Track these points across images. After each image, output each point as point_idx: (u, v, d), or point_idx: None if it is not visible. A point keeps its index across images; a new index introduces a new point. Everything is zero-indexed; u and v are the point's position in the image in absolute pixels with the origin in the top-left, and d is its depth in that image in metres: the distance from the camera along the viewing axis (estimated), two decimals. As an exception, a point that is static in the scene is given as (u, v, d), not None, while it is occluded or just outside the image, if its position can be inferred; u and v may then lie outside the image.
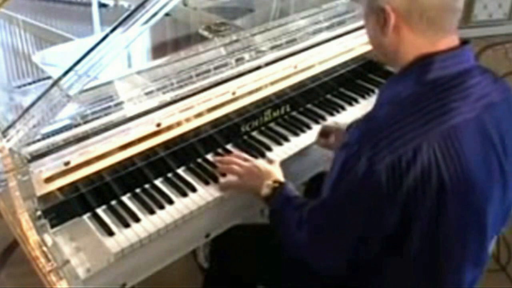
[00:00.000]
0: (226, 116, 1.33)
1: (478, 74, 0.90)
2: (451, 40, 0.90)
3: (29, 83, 1.27)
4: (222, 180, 1.23)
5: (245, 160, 1.24)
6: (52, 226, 1.07)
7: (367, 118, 0.91)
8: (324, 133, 1.37)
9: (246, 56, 1.36)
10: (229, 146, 1.36)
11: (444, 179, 0.84)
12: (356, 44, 1.63)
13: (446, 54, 0.88)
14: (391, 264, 0.95)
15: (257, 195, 1.15)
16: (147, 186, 1.22)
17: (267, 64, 1.39)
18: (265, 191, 1.13)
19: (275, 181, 1.14)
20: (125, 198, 1.18)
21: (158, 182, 1.23)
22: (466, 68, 0.89)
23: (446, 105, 0.85)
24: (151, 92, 1.20)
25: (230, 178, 1.23)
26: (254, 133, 1.42)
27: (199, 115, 1.26)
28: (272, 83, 1.41)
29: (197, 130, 1.28)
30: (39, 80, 1.28)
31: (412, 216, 0.86)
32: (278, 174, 1.18)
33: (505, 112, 0.93)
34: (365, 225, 0.88)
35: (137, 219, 1.12)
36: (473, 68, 0.90)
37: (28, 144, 1.02)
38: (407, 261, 0.92)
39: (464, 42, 0.92)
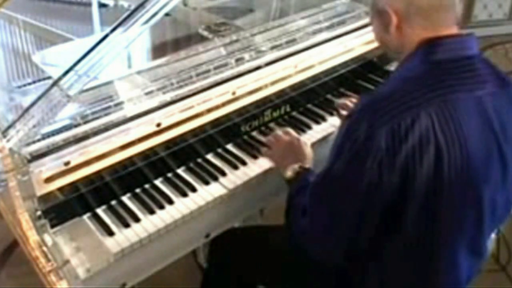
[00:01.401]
0: (226, 116, 1.33)
1: (480, 62, 0.94)
2: (451, 31, 0.94)
3: (29, 83, 1.27)
4: (222, 179, 1.23)
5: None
6: (52, 226, 1.07)
7: (371, 92, 0.97)
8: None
9: (246, 56, 1.36)
10: (229, 146, 1.36)
11: (441, 148, 0.86)
12: (356, 44, 1.63)
13: (451, 39, 0.93)
14: (388, 249, 0.96)
15: (283, 172, 1.17)
16: (147, 186, 1.22)
17: (267, 64, 1.39)
18: (288, 174, 1.15)
19: (300, 167, 1.15)
20: (125, 198, 1.18)
21: (158, 182, 1.23)
22: (469, 54, 0.93)
23: (448, 83, 0.89)
24: (151, 92, 1.20)
25: (230, 177, 1.24)
26: (254, 133, 1.42)
27: (199, 115, 1.26)
28: (272, 83, 1.41)
29: (197, 130, 1.28)
30: (39, 80, 1.28)
31: (409, 185, 0.87)
32: (308, 160, 1.20)
33: (506, 103, 0.95)
34: (365, 195, 0.89)
35: (137, 219, 1.12)
36: (476, 56, 0.94)
37: (28, 144, 1.02)
38: (403, 244, 0.94)
39: (468, 34, 0.96)
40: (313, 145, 1.39)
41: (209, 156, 1.32)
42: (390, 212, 0.90)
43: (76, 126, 1.09)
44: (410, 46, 0.95)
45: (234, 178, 1.25)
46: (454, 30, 0.94)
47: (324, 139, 1.43)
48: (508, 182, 0.97)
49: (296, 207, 1.05)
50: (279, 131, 1.28)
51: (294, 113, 1.52)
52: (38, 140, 1.04)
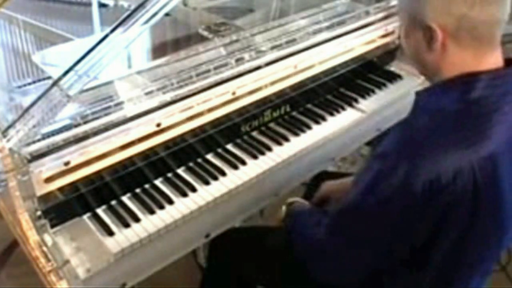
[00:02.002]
0: (226, 116, 1.33)
1: None
2: (496, 57, 0.87)
3: (29, 83, 1.27)
4: (222, 179, 1.23)
5: None
6: (52, 226, 1.07)
7: (405, 125, 0.89)
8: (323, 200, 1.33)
9: (246, 56, 1.36)
10: (229, 146, 1.36)
11: (480, 205, 0.84)
12: (356, 44, 1.63)
13: (491, 74, 0.85)
14: (404, 274, 0.95)
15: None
16: (147, 186, 1.22)
17: (267, 64, 1.39)
18: (280, 215, 1.17)
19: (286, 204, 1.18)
20: (125, 198, 1.18)
21: (158, 182, 1.23)
22: (509, 89, 0.87)
23: (487, 130, 0.84)
24: (151, 92, 1.19)
25: (230, 177, 1.24)
26: (254, 133, 1.42)
27: (199, 115, 1.26)
28: (272, 83, 1.41)
29: (197, 130, 1.28)
30: (39, 80, 1.28)
31: (441, 232, 0.86)
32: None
33: None
34: (393, 235, 0.87)
35: (137, 219, 1.12)
36: None
37: (28, 144, 1.02)
38: (421, 273, 0.92)
39: (508, 61, 0.89)
40: (313, 145, 1.40)
41: (209, 156, 1.32)
42: (415, 251, 0.89)
43: (76, 126, 1.09)
44: (448, 71, 0.87)
45: (234, 178, 1.25)
46: (498, 52, 0.87)
47: (323, 139, 1.43)
48: None
49: (304, 222, 1.05)
50: None
51: (294, 113, 1.52)
52: (38, 140, 1.04)
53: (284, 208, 1.18)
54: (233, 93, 1.32)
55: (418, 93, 0.93)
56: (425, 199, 0.81)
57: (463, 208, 0.84)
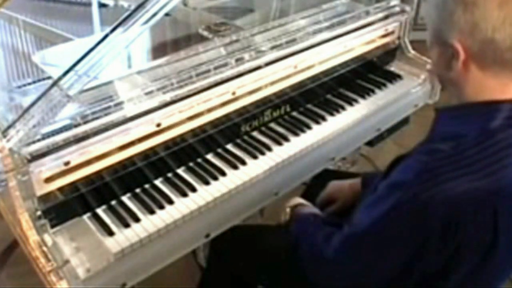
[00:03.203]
0: (226, 116, 1.33)
1: None
2: None
3: (29, 83, 1.27)
4: (222, 179, 1.23)
5: None
6: (52, 226, 1.07)
7: (425, 153, 0.85)
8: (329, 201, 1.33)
9: (246, 56, 1.36)
10: (229, 146, 1.36)
11: (499, 238, 0.82)
12: (356, 44, 1.63)
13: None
14: None
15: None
16: (147, 186, 1.22)
17: (267, 64, 1.39)
18: (284, 218, 1.16)
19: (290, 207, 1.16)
20: (125, 198, 1.18)
21: (158, 182, 1.23)
22: None
23: (506, 160, 0.81)
24: (151, 92, 1.19)
25: (230, 177, 1.24)
26: (254, 133, 1.42)
27: (199, 115, 1.26)
28: (272, 83, 1.41)
29: (197, 130, 1.28)
30: (39, 80, 1.28)
31: (456, 262, 0.84)
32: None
33: None
34: (405, 264, 0.86)
35: (137, 219, 1.12)
36: None
37: (28, 144, 1.02)
38: None
39: None
40: (313, 145, 1.40)
41: (209, 156, 1.32)
42: (428, 277, 0.88)
43: (76, 126, 1.09)
44: (470, 94, 0.84)
45: (234, 178, 1.25)
46: None
47: (323, 139, 1.43)
48: None
49: (311, 235, 1.03)
50: None
51: (294, 113, 1.52)
52: (38, 140, 1.04)
53: (288, 210, 1.16)
54: (233, 93, 1.32)
55: (437, 111, 0.90)
56: (442, 229, 0.80)
57: (482, 243, 0.82)
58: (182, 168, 1.28)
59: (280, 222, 1.18)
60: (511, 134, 0.82)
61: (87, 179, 1.11)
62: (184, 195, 1.19)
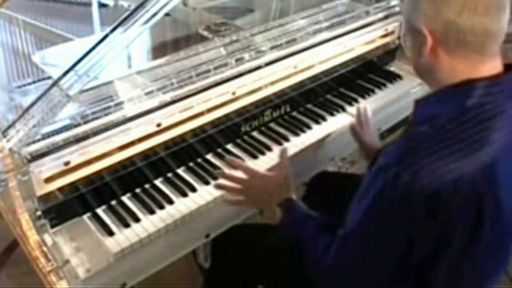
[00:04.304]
0: (226, 116, 1.33)
1: None
2: (494, 65, 0.86)
3: (29, 83, 1.27)
4: (222, 179, 1.23)
5: (246, 171, 1.15)
6: (52, 226, 1.07)
7: (405, 137, 0.87)
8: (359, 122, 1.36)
9: (246, 56, 1.36)
10: (229, 146, 1.37)
11: (484, 214, 0.83)
12: (356, 44, 1.63)
13: (487, 81, 0.84)
14: None
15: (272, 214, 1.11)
16: (147, 186, 1.22)
17: (267, 64, 1.39)
18: (278, 215, 1.09)
19: (281, 204, 1.09)
20: (125, 198, 1.18)
21: (158, 182, 1.23)
22: (506, 96, 0.85)
23: (485, 137, 0.82)
24: (151, 92, 1.20)
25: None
26: (254, 133, 1.42)
27: (199, 115, 1.26)
28: (272, 83, 1.41)
29: (197, 130, 1.28)
30: (39, 80, 1.28)
31: (445, 244, 0.85)
32: (284, 188, 1.12)
33: None
34: (401, 252, 0.86)
35: (137, 219, 1.12)
36: None
37: (28, 144, 1.02)
38: None
39: (508, 66, 0.87)
40: (313, 145, 1.40)
41: (209, 156, 1.32)
42: (420, 270, 0.89)
43: (76, 126, 1.09)
44: (443, 79, 0.87)
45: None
46: (496, 61, 0.86)
47: (323, 139, 1.43)
48: None
49: (309, 242, 1.01)
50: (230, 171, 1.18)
51: (294, 113, 1.52)
52: (38, 140, 1.04)
53: (278, 210, 1.10)
54: (233, 93, 1.32)
55: (417, 102, 0.92)
56: (427, 211, 0.81)
57: (465, 219, 0.83)
58: (182, 168, 1.28)
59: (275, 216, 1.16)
60: (488, 110, 0.83)
61: (87, 179, 1.11)
62: (184, 195, 1.19)
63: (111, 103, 1.14)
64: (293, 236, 1.06)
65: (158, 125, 1.19)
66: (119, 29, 1.06)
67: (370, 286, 0.94)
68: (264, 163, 1.30)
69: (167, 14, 1.23)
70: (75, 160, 1.07)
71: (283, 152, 1.18)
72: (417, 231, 0.83)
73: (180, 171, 1.27)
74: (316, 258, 0.99)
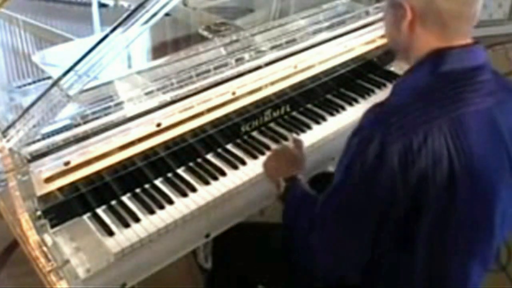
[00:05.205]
0: (226, 116, 1.33)
1: (488, 72, 0.92)
2: (464, 42, 0.91)
3: (29, 83, 1.27)
4: (222, 179, 1.23)
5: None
6: (52, 226, 1.07)
7: (381, 104, 0.93)
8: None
9: (246, 56, 1.36)
10: (229, 146, 1.36)
11: (454, 165, 0.85)
12: (356, 44, 1.63)
13: (460, 49, 0.90)
14: (401, 266, 0.95)
15: (276, 189, 1.16)
16: (147, 186, 1.22)
17: (267, 64, 1.39)
18: (279, 190, 1.14)
19: (287, 179, 1.14)
20: (125, 198, 1.18)
21: (158, 182, 1.23)
22: (478, 64, 0.91)
23: (457, 96, 0.88)
24: (151, 92, 1.20)
25: (230, 177, 1.24)
26: (254, 133, 1.42)
27: (199, 115, 1.26)
28: (272, 83, 1.41)
29: (197, 130, 1.28)
30: (39, 80, 1.28)
31: (423, 202, 0.87)
32: (296, 167, 1.18)
33: None
34: (379, 212, 0.88)
35: (137, 219, 1.12)
36: (484, 66, 0.92)
37: (28, 144, 1.02)
38: (415, 260, 0.93)
39: (475, 42, 0.93)
40: (313, 145, 1.40)
41: (209, 156, 1.32)
42: (403, 228, 0.90)
43: (76, 126, 1.09)
44: (418, 52, 0.92)
45: (234, 178, 1.25)
46: (466, 40, 0.91)
47: (323, 139, 1.43)
48: None
49: (300, 221, 1.03)
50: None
51: (294, 113, 1.52)
52: (38, 140, 1.04)
53: (283, 185, 1.14)
54: (233, 93, 1.32)
55: (395, 81, 0.98)
56: (402, 166, 0.83)
57: (440, 172, 0.85)
58: (182, 168, 1.28)
59: (277, 195, 1.17)
60: (461, 75, 0.89)
61: (87, 179, 1.11)
62: (184, 195, 1.19)
63: (111, 103, 1.14)
64: (288, 210, 1.08)
65: (158, 125, 1.19)
66: (119, 29, 1.06)
67: (353, 251, 0.95)
68: (264, 163, 1.30)
69: (167, 14, 1.23)
70: (75, 160, 1.07)
71: (297, 141, 1.27)
72: (394, 189, 0.85)
73: (180, 171, 1.27)
74: (304, 226, 1.00)
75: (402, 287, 0.98)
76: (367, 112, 0.92)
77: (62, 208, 1.09)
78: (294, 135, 1.39)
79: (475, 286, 1.00)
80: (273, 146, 1.37)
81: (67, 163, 1.06)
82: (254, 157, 1.32)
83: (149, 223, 1.11)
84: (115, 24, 1.06)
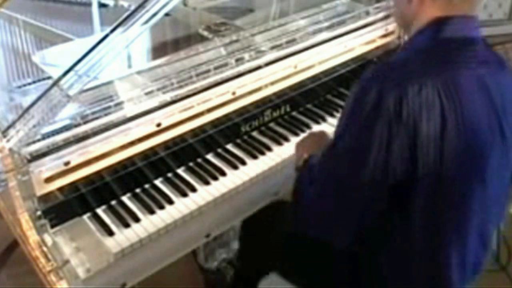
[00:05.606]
0: (226, 116, 1.33)
1: (484, 44, 0.98)
2: (464, 12, 0.96)
3: (29, 83, 1.27)
4: (222, 179, 1.23)
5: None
6: (52, 226, 1.07)
7: (380, 62, 0.99)
8: None
9: (246, 56, 1.36)
10: (229, 146, 1.36)
11: (446, 115, 0.88)
12: (356, 44, 1.63)
13: (459, 19, 0.94)
14: (397, 230, 0.97)
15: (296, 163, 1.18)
16: (147, 186, 1.22)
17: (267, 64, 1.39)
18: (299, 163, 1.15)
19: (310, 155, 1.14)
20: (125, 198, 1.18)
21: (158, 182, 1.23)
22: (475, 36, 0.96)
23: (454, 59, 0.93)
24: (151, 92, 1.20)
25: (230, 177, 1.24)
26: (254, 133, 1.42)
27: (199, 115, 1.26)
28: (272, 83, 1.41)
29: (197, 130, 1.28)
30: (39, 80, 1.28)
31: (417, 153, 0.88)
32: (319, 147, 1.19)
33: (505, 83, 0.98)
34: (376, 162, 0.89)
35: (137, 219, 1.12)
36: (480, 38, 0.97)
37: (28, 144, 1.02)
38: (412, 223, 0.95)
39: (473, 16, 0.98)
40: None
41: (209, 156, 1.32)
42: (399, 187, 0.91)
43: (76, 126, 1.09)
44: (420, 21, 0.97)
45: (234, 178, 1.25)
46: (466, 12, 0.96)
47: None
48: (509, 163, 1.00)
49: (303, 185, 1.05)
50: None
51: (294, 113, 1.52)
52: (38, 140, 1.04)
53: (305, 157, 1.14)
54: (233, 93, 1.32)
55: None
56: (397, 112, 0.87)
57: (432, 123, 0.87)
58: (182, 168, 1.28)
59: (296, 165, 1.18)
60: (461, 42, 0.94)
61: (87, 179, 1.11)
62: (184, 195, 1.19)
63: (111, 103, 1.14)
64: (300, 175, 1.10)
65: (158, 125, 1.19)
66: (119, 29, 1.06)
67: (347, 210, 0.96)
68: (264, 163, 1.31)
69: (167, 14, 1.23)
70: (75, 160, 1.07)
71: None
72: (390, 134, 0.87)
73: (180, 171, 1.27)
74: (305, 189, 1.02)
75: (399, 252, 1.00)
76: (364, 72, 0.97)
77: (62, 208, 1.09)
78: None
79: (473, 260, 1.02)
80: (273, 146, 1.37)
81: (67, 163, 1.06)
82: (254, 157, 1.32)
83: (149, 223, 1.11)
84: (115, 24, 1.06)
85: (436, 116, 0.87)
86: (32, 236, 1.00)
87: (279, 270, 1.24)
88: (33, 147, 1.03)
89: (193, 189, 1.21)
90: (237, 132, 1.38)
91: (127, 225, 1.10)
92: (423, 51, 0.95)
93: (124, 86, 1.23)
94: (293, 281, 1.21)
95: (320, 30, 1.54)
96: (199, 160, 1.31)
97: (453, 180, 0.92)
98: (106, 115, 1.12)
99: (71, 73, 1.03)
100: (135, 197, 1.19)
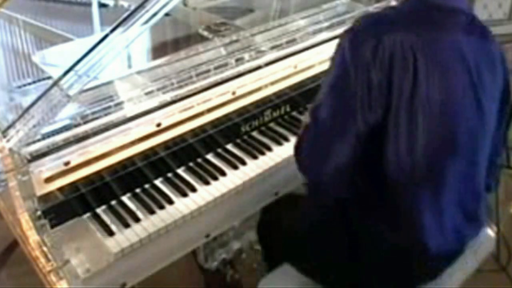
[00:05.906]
0: (226, 116, 1.33)
1: (469, 16, 1.03)
2: None
3: (29, 83, 1.27)
4: (222, 179, 1.23)
5: None
6: (52, 226, 1.07)
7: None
8: None
9: (246, 56, 1.36)
10: (229, 146, 1.36)
11: (419, 72, 0.93)
12: (356, 44, 1.63)
13: None
14: (378, 184, 1.02)
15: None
16: (147, 186, 1.22)
17: (267, 64, 1.39)
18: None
19: None
20: (125, 198, 1.18)
21: (158, 182, 1.23)
22: (461, 7, 1.02)
23: (437, 24, 0.98)
24: (151, 92, 1.20)
25: (230, 177, 1.24)
26: (254, 133, 1.42)
27: (199, 115, 1.26)
28: (272, 83, 1.41)
29: (197, 130, 1.28)
30: (39, 80, 1.28)
31: (393, 94, 0.94)
32: None
33: (483, 53, 1.03)
34: (361, 108, 0.95)
35: (137, 219, 1.12)
36: (466, 10, 1.03)
37: (28, 144, 1.02)
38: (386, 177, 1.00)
39: None
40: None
41: (209, 156, 1.32)
42: (376, 134, 0.96)
43: (76, 126, 1.09)
44: None
45: (234, 178, 1.25)
46: None
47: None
48: (486, 133, 1.04)
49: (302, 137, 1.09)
50: None
51: (294, 113, 1.52)
52: (38, 140, 1.04)
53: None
54: (233, 93, 1.32)
55: None
56: (374, 56, 0.93)
57: (404, 70, 0.93)
58: (182, 168, 1.28)
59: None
60: (448, 8, 0.99)
61: (87, 179, 1.11)
62: (184, 195, 1.19)
63: (111, 103, 1.14)
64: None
65: (158, 125, 1.19)
66: (119, 29, 1.06)
67: (340, 157, 0.99)
68: (264, 163, 1.31)
69: (167, 14, 1.23)
70: (75, 160, 1.07)
71: None
72: (369, 74, 0.93)
73: (180, 171, 1.27)
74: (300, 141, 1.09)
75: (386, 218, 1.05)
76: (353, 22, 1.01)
77: (62, 208, 1.09)
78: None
79: (451, 225, 1.05)
80: (273, 146, 1.37)
81: (67, 163, 1.06)
82: (254, 157, 1.32)
83: (149, 223, 1.11)
84: (115, 24, 1.06)
85: (409, 71, 0.92)
86: (32, 236, 1.00)
87: (291, 260, 1.26)
88: (33, 147, 1.03)
89: (193, 189, 1.21)
90: (237, 132, 1.38)
91: (127, 225, 1.10)
92: (410, 12, 1.00)
93: (124, 86, 1.23)
94: (303, 271, 1.23)
95: (320, 30, 1.54)
96: (199, 160, 1.31)
97: (424, 146, 0.96)
98: (106, 115, 1.12)
99: (71, 73, 1.03)
100: (135, 197, 1.19)
